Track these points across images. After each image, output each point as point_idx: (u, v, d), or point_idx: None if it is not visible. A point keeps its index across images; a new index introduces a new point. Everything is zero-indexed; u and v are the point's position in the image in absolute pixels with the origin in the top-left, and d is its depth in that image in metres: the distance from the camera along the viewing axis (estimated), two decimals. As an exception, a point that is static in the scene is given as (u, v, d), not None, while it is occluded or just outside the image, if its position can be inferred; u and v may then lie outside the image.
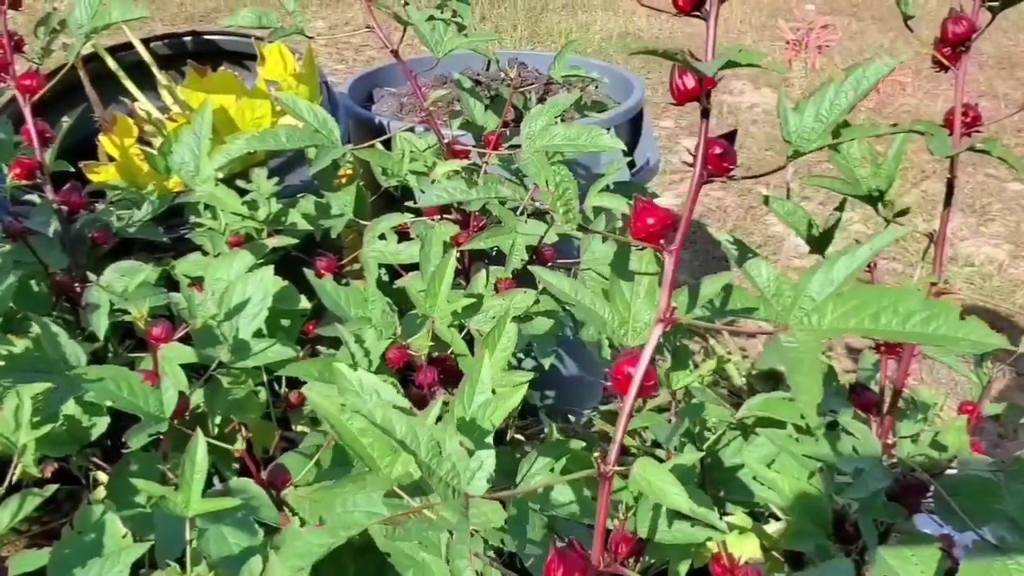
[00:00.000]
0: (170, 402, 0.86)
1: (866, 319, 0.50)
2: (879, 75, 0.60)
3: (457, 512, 0.59)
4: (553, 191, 0.85)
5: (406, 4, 1.23)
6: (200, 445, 0.73)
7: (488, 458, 0.63)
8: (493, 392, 0.78)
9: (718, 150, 0.59)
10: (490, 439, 0.72)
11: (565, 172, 0.79)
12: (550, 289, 0.75)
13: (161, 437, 0.89)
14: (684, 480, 0.86)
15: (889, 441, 0.91)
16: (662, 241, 0.62)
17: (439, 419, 0.76)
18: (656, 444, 1.01)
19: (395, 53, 1.18)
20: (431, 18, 1.19)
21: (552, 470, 0.83)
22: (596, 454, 0.62)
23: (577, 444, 0.88)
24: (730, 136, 0.62)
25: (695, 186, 0.58)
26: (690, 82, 0.57)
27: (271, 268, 0.99)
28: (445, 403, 0.77)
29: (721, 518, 0.94)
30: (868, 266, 0.95)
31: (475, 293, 1.06)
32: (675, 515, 0.84)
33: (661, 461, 0.92)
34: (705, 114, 0.58)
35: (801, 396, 0.46)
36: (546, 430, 1.11)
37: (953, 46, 0.72)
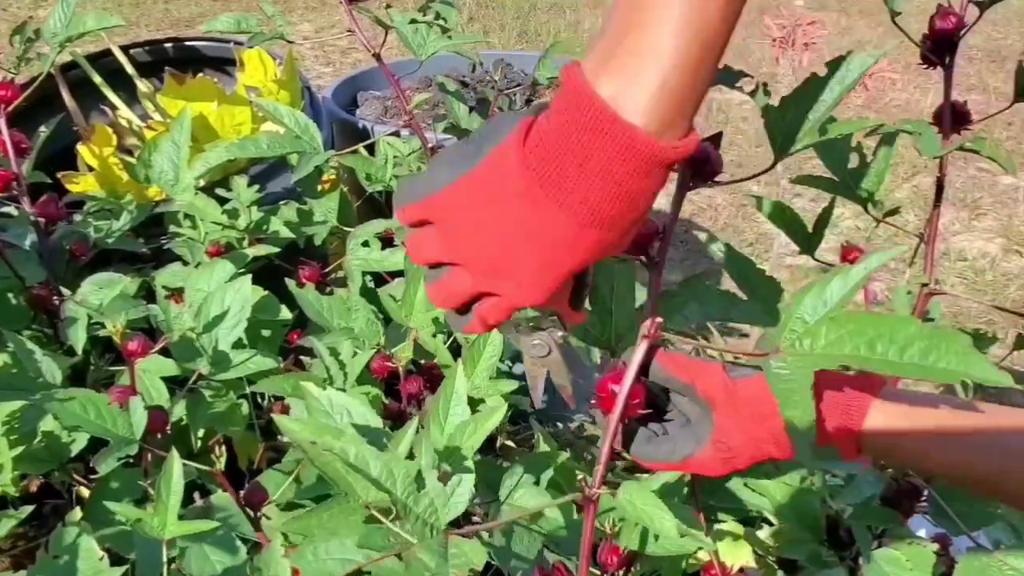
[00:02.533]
0: (139, 424, 0.83)
1: (861, 346, 0.46)
2: (863, 68, 0.58)
3: (436, 555, 0.55)
4: None
5: (388, 7, 1.21)
6: (175, 466, 0.71)
7: (466, 483, 0.60)
8: (473, 408, 0.76)
9: (702, 157, 0.57)
10: (470, 463, 0.69)
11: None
12: None
13: (140, 454, 0.88)
14: (671, 493, 0.84)
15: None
16: (647, 251, 0.59)
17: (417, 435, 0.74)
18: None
19: (377, 57, 1.17)
20: (413, 21, 1.18)
21: (537, 483, 0.81)
22: (580, 476, 0.59)
23: (561, 456, 0.86)
24: (715, 139, 0.59)
25: (678, 193, 0.56)
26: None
27: (249, 278, 0.97)
28: (421, 424, 0.74)
29: (713, 526, 0.93)
30: (856, 260, 0.94)
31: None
32: (663, 527, 0.82)
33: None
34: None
35: (794, 434, 0.43)
36: (538, 435, 1.10)
37: (941, 42, 0.70)
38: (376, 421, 0.77)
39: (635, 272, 0.72)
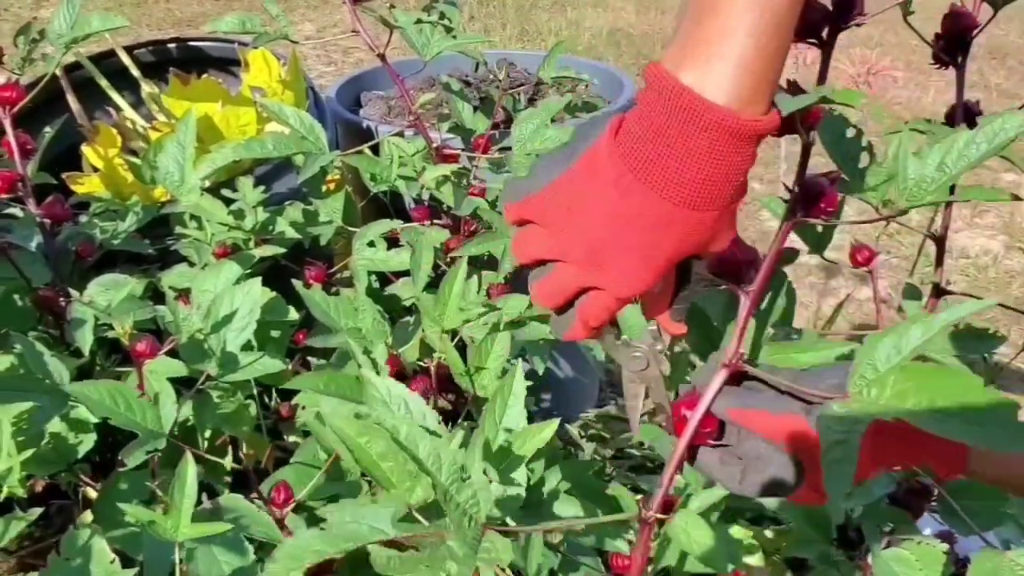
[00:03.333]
0: (168, 418, 0.85)
1: (924, 401, 0.44)
2: (1019, 131, 0.54)
3: (466, 544, 0.55)
4: None
5: (392, 7, 1.21)
6: (189, 468, 0.71)
7: (519, 490, 0.60)
8: (479, 408, 0.76)
9: (818, 192, 0.54)
10: (523, 469, 0.69)
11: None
12: None
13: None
14: (710, 512, 0.84)
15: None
16: (740, 278, 0.56)
17: (463, 445, 0.74)
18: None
19: (382, 57, 1.16)
20: (418, 21, 1.17)
21: (571, 493, 0.81)
22: (639, 498, 0.59)
23: (596, 465, 0.87)
24: (832, 177, 0.59)
25: (785, 229, 0.54)
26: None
27: (259, 280, 0.97)
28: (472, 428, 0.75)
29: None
30: (866, 260, 0.94)
31: (475, 301, 1.04)
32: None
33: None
34: (805, 152, 0.54)
35: (831, 485, 0.42)
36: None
37: (954, 41, 0.70)
38: (432, 416, 0.77)
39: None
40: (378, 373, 0.93)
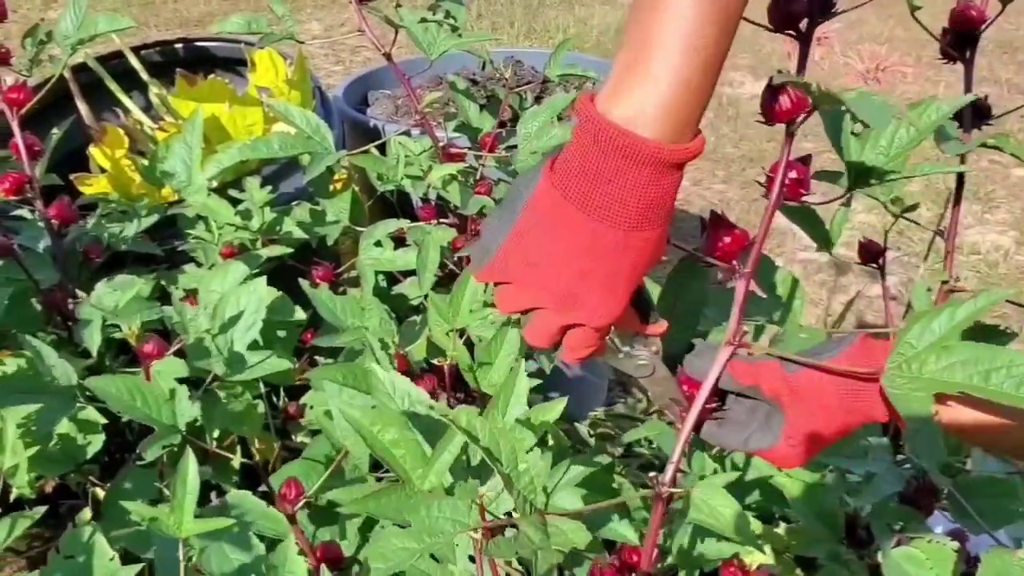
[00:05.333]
0: (183, 414, 0.85)
1: (975, 376, 0.48)
2: (940, 115, 0.60)
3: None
4: None
5: (398, 6, 1.21)
6: (191, 465, 0.71)
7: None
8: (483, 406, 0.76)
9: (796, 175, 0.57)
10: (536, 452, 0.70)
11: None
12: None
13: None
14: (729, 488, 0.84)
15: (902, 442, 0.89)
16: (735, 261, 0.59)
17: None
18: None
19: (388, 56, 1.16)
20: (423, 20, 1.17)
21: (578, 484, 0.81)
22: (652, 475, 0.60)
23: (604, 459, 0.87)
24: (805, 160, 0.61)
25: (771, 210, 0.56)
26: (787, 103, 0.54)
27: (264, 279, 0.97)
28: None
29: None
30: (877, 261, 0.93)
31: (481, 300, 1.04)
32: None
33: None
34: (791, 137, 0.56)
35: (921, 450, 0.46)
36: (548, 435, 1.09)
37: (962, 36, 0.70)
38: (435, 407, 0.79)
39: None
40: (394, 367, 0.93)
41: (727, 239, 0.59)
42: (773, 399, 0.60)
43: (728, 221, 0.60)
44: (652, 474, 0.60)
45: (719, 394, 0.62)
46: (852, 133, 0.61)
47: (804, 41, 0.53)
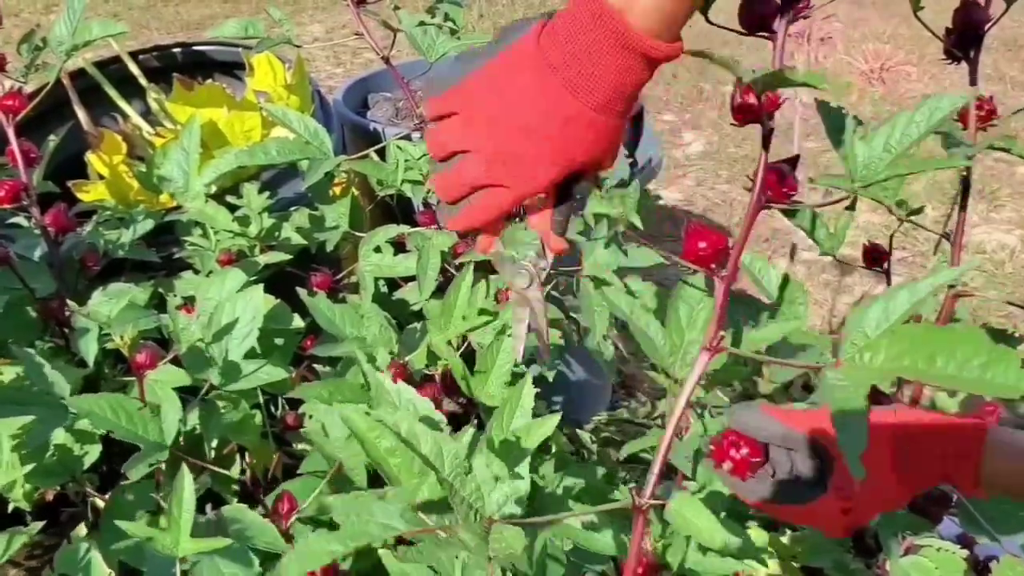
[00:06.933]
0: (170, 429, 0.84)
1: (920, 360, 0.46)
2: (953, 107, 0.58)
3: (477, 536, 0.56)
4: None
5: (397, 8, 1.20)
6: (187, 483, 0.70)
7: (523, 483, 0.60)
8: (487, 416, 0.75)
9: (778, 177, 0.56)
10: (527, 462, 0.69)
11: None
12: (608, 304, 0.72)
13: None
14: (716, 509, 0.83)
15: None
16: (713, 266, 0.59)
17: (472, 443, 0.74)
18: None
19: (386, 60, 1.15)
20: (422, 23, 1.16)
21: (576, 498, 0.81)
22: (631, 487, 0.59)
23: (599, 470, 0.86)
24: (792, 162, 0.60)
25: (751, 212, 0.56)
26: (751, 100, 0.55)
27: (260, 288, 0.96)
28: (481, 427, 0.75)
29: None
30: (881, 263, 0.92)
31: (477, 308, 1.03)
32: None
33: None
34: (767, 138, 0.55)
35: (847, 447, 0.43)
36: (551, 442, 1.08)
37: (966, 36, 0.68)
38: (439, 418, 0.78)
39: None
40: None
41: (703, 244, 0.58)
42: (825, 447, 0.59)
43: (704, 226, 0.60)
44: (631, 486, 0.59)
45: (762, 449, 0.62)
46: (853, 133, 0.60)
47: (777, 40, 0.53)
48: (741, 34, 0.55)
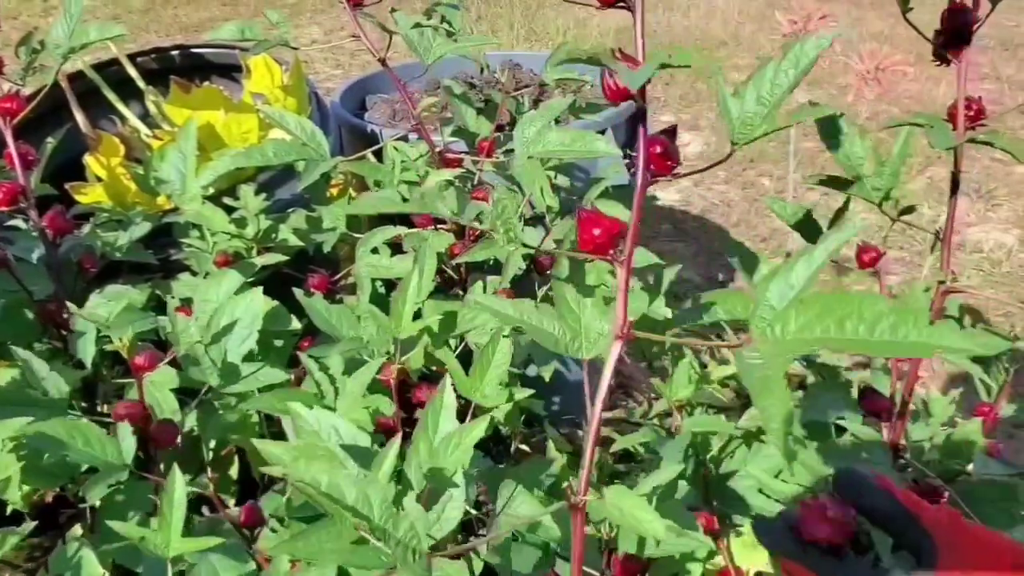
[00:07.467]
0: (128, 450, 0.83)
1: (831, 327, 0.45)
2: (819, 49, 0.56)
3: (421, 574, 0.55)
4: (494, 213, 0.82)
5: (393, 11, 1.20)
6: (178, 483, 0.70)
7: (455, 501, 0.59)
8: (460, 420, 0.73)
9: (659, 149, 0.55)
10: (458, 478, 0.67)
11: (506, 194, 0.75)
12: (492, 314, 0.71)
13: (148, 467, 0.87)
14: (668, 494, 0.83)
15: (901, 444, 0.88)
16: (612, 252, 0.57)
17: (403, 456, 0.72)
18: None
19: (383, 62, 1.16)
20: (417, 25, 1.17)
21: (533, 490, 0.80)
22: (566, 484, 0.58)
23: (559, 461, 0.85)
24: (671, 132, 0.59)
25: (640, 189, 0.54)
26: (612, 84, 0.54)
27: (259, 290, 0.96)
28: (407, 436, 0.72)
29: (730, 530, 0.91)
30: (872, 260, 0.92)
31: (452, 310, 1.03)
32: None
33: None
34: (641, 113, 0.54)
35: (769, 423, 0.41)
36: (548, 441, 1.09)
37: (954, 37, 0.69)
38: (365, 440, 0.76)
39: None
40: (336, 391, 0.91)
41: (597, 231, 0.56)
42: (930, 530, 0.53)
43: (597, 213, 0.58)
44: (566, 484, 0.59)
45: (850, 532, 0.55)
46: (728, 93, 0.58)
47: (635, 12, 0.52)
48: (598, 8, 0.55)
